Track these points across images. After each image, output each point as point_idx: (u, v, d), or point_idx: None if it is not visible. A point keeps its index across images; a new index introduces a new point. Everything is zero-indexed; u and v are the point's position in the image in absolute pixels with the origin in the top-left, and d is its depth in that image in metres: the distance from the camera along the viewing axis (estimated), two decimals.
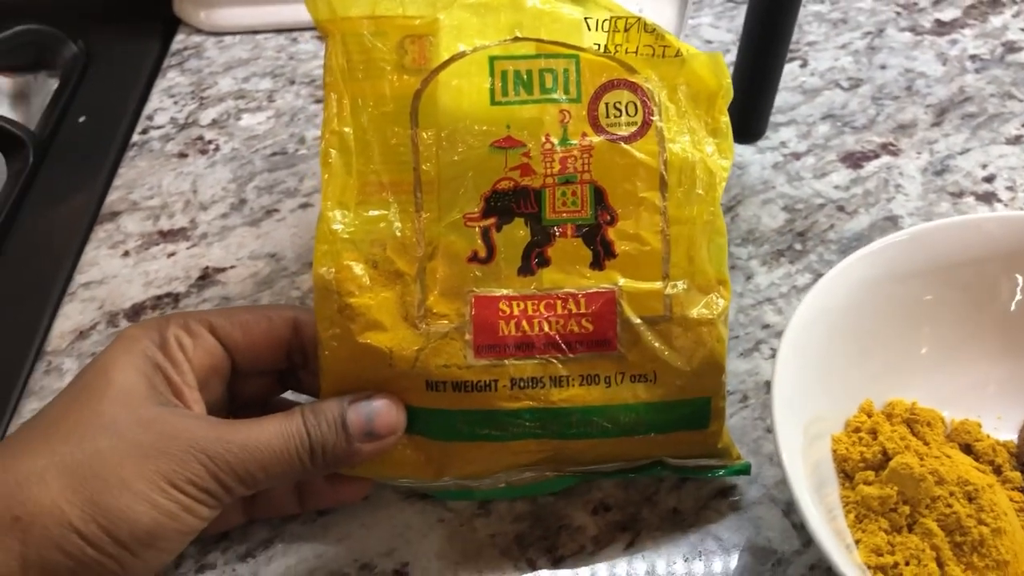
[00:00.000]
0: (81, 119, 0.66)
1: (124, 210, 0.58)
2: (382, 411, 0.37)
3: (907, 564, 0.36)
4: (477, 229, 0.38)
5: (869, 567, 0.36)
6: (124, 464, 0.33)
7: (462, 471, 0.39)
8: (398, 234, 0.38)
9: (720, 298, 0.39)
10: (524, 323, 0.38)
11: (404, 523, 0.41)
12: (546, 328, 0.38)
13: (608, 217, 0.38)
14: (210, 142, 0.63)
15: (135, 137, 0.64)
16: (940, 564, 0.36)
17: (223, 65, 0.70)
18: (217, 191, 0.59)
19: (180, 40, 0.72)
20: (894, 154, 0.60)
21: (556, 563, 0.40)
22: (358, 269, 0.37)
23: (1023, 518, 0.39)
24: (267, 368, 0.41)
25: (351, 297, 0.37)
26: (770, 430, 0.44)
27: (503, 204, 0.38)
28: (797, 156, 0.60)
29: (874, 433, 0.40)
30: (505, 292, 0.38)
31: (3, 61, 0.72)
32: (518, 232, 0.38)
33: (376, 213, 0.38)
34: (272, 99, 0.66)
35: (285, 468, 0.35)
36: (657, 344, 0.38)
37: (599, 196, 0.38)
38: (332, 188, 0.38)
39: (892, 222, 0.55)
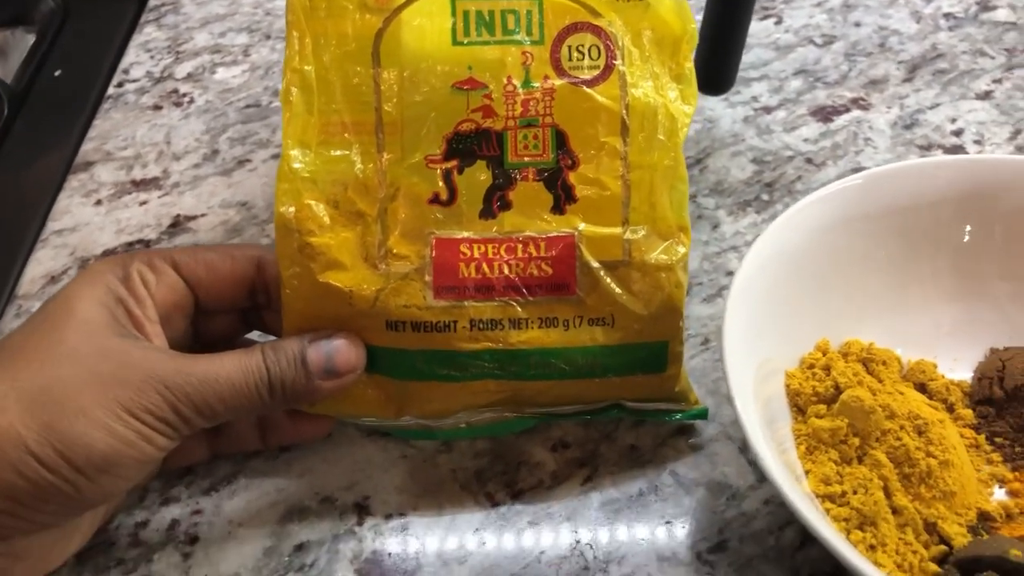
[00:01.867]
0: (57, 73, 0.66)
1: (98, 160, 0.58)
2: (342, 349, 0.38)
3: (855, 493, 0.36)
4: (439, 171, 0.38)
5: (818, 496, 0.37)
6: (82, 391, 0.33)
7: (422, 410, 0.40)
8: (359, 175, 0.38)
9: (680, 244, 0.39)
10: (484, 265, 0.38)
11: (366, 459, 0.42)
12: (506, 271, 0.38)
13: (569, 161, 0.38)
14: (184, 95, 0.63)
15: (110, 90, 0.64)
16: (888, 494, 0.37)
17: (200, 20, 0.70)
18: (190, 142, 0.59)
19: None
20: (864, 108, 0.60)
21: (515, 497, 0.41)
22: (319, 209, 0.38)
23: (973, 453, 0.40)
24: (231, 306, 0.41)
25: (311, 236, 0.37)
26: None
27: (465, 146, 0.38)
28: (768, 110, 0.60)
29: (828, 369, 0.40)
30: (466, 235, 0.38)
31: None
32: (480, 175, 0.38)
33: (338, 153, 0.38)
34: (248, 53, 0.66)
35: (244, 402, 0.36)
36: (616, 288, 0.38)
37: (561, 140, 0.38)
38: (293, 127, 0.38)
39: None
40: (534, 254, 0.38)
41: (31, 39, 0.70)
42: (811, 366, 0.41)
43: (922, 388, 0.42)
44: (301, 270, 0.38)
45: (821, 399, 0.40)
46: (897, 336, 0.43)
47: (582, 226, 0.38)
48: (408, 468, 0.42)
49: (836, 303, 0.43)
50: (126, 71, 0.66)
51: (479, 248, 0.38)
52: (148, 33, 0.69)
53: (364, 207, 0.38)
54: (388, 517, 0.40)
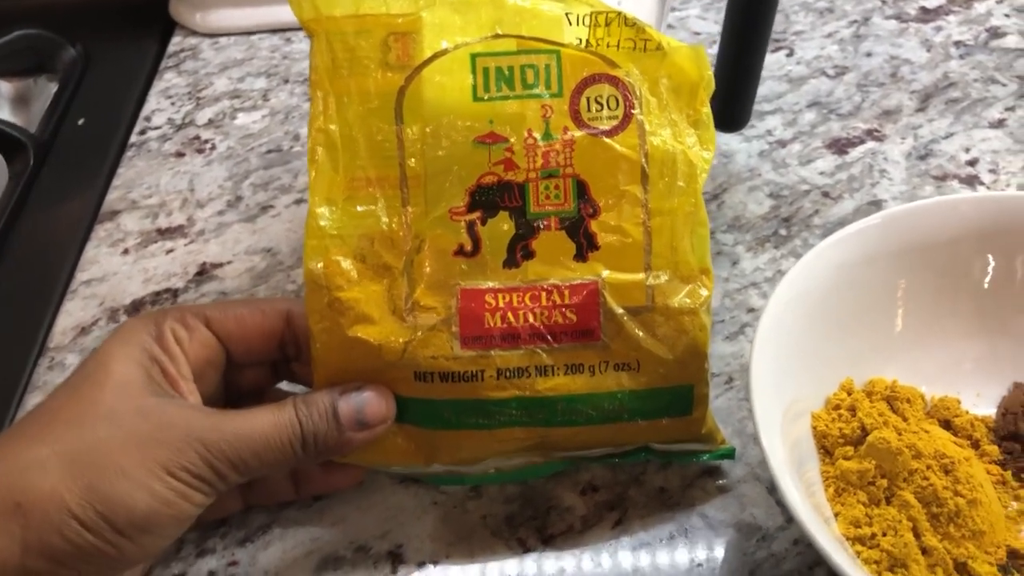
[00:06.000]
0: (80, 121, 0.67)
1: (123, 209, 0.59)
2: (372, 401, 0.38)
3: (884, 535, 0.37)
4: (463, 223, 0.39)
5: (848, 539, 0.37)
6: (122, 452, 0.34)
7: (451, 458, 0.41)
8: (385, 228, 0.38)
9: (702, 288, 0.39)
10: (509, 315, 0.39)
11: (398, 506, 0.43)
12: (531, 319, 0.39)
13: (591, 210, 0.39)
14: (206, 141, 0.64)
15: (133, 138, 0.65)
16: (917, 534, 0.37)
17: (219, 66, 0.71)
18: (214, 189, 0.60)
19: (176, 42, 0.74)
20: (879, 140, 0.61)
21: (546, 542, 0.41)
22: (346, 264, 0.38)
23: (1000, 490, 0.40)
24: (261, 359, 0.42)
25: (340, 291, 0.38)
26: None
27: (488, 198, 0.39)
28: (783, 144, 0.61)
29: (853, 410, 0.41)
30: (491, 284, 0.39)
31: (3, 65, 0.73)
32: (503, 226, 0.39)
33: (363, 208, 0.39)
34: (267, 98, 0.67)
35: (278, 456, 0.37)
36: (640, 333, 0.39)
37: (582, 189, 0.39)
38: (320, 184, 0.39)
39: (876, 207, 0.56)
40: (558, 302, 0.39)
41: (53, 88, 0.71)
42: (837, 407, 0.41)
43: (947, 425, 0.42)
44: (331, 324, 0.38)
45: (848, 441, 0.40)
46: (920, 373, 0.44)
47: (605, 273, 0.39)
48: (439, 515, 0.42)
49: (859, 342, 0.43)
50: (148, 118, 0.67)
51: (504, 297, 0.39)
52: (168, 79, 0.70)
53: (390, 260, 0.38)
54: (421, 565, 0.41)
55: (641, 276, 0.39)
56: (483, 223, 0.39)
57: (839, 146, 0.60)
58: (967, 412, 0.43)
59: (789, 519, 0.41)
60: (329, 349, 0.38)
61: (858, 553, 0.37)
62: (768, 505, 0.42)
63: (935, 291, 0.44)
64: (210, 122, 0.66)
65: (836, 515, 0.38)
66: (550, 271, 0.39)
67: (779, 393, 0.39)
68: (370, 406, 0.38)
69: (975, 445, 0.42)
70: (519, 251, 0.39)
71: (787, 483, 0.35)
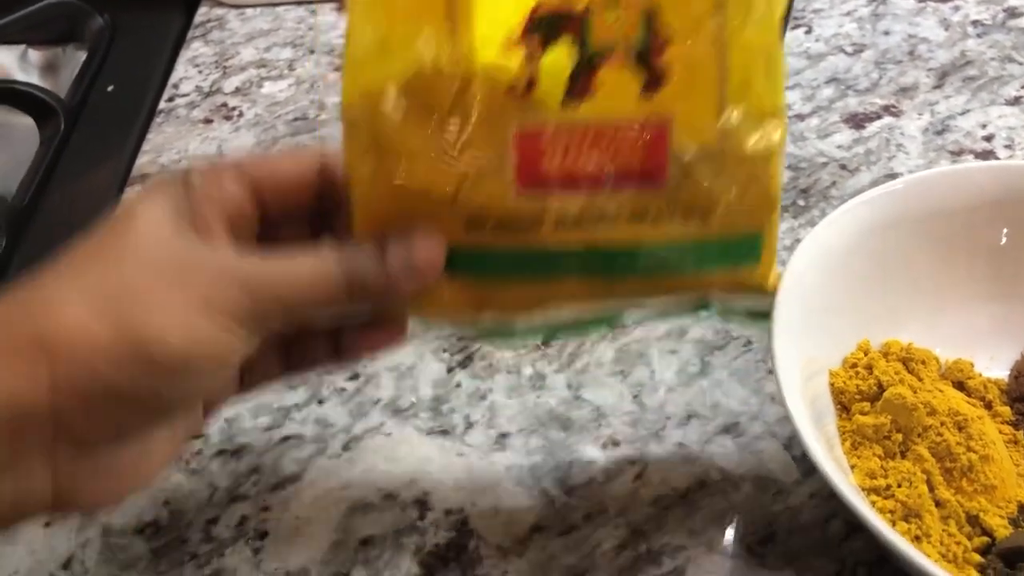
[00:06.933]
0: (110, 88, 0.68)
1: (153, 173, 0.61)
2: (420, 244, 0.34)
3: (899, 486, 0.38)
4: (516, 57, 0.33)
5: (863, 489, 0.38)
6: (154, 288, 0.30)
7: (502, 306, 0.38)
8: (432, 64, 0.33)
9: (776, 130, 0.35)
10: (568, 157, 0.34)
11: (425, 457, 0.44)
12: (592, 162, 0.34)
13: (660, 41, 0.33)
14: (234, 109, 0.65)
15: (162, 104, 0.66)
16: (931, 487, 0.38)
17: (245, 36, 0.72)
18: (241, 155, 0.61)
19: (203, 12, 0.75)
20: (896, 115, 0.62)
21: (568, 493, 0.42)
22: (390, 102, 0.34)
23: (1012, 449, 0.41)
24: (297, 211, 0.37)
25: (382, 133, 0.34)
26: (771, 372, 0.46)
27: (544, 29, 0.33)
28: (801, 117, 0.62)
29: (870, 368, 0.42)
30: (548, 124, 0.34)
31: (33, 34, 0.74)
32: (561, 60, 0.33)
33: (407, 41, 0.33)
34: (293, 68, 0.68)
35: (322, 298, 0.33)
36: (708, 178, 0.35)
37: (650, 17, 0.33)
38: (358, 15, 0.34)
39: (893, 179, 0.57)
40: (622, 143, 0.34)
41: (81, 56, 0.72)
42: (854, 365, 0.42)
43: (960, 386, 0.43)
44: (371, 170, 0.34)
45: (865, 397, 0.41)
46: (935, 336, 0.45)
47: (674, 112, 0.34)
48: (465, 465, 0.43)
49: (876, 304, 0.44)
50: (176, 86, 0.68)
51: (562, 138, 0.34)
52: (195, 49, 0.71)
53: (438, 99, 0.33)
54: (448, 512, 0.42)
55: (712, 116, 0.34)
56: (539, 57, 0.33)
57: (856, 121, 0.61)
58: (980, 374, 0.44)
59: (805, 474, 0.42)
60: (369, 196, 0.35)
61: (873, 503, 0.38)
62: (785, 461, 0.43)
63: (951, 257, 0.45)
64: (237, 90, 0.67)
65: (853, 467, 0.39)
66: (613, 109, 0.34)
67: (798, 351, 0.40)
68: (419, 249, 0.34)
69: (988, 406, 0.43)
70: (579, 88, 0.34)
71: (808, 435, 0.36)
